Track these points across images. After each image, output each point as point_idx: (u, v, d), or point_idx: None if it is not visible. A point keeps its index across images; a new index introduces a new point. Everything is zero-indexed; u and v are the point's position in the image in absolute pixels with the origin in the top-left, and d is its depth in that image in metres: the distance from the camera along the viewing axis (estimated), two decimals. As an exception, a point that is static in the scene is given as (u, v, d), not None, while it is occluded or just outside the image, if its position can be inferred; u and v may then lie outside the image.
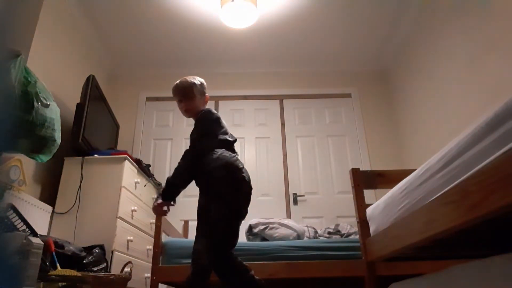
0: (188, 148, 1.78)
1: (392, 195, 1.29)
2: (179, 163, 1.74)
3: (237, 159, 1.76)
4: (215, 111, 1.91)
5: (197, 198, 1.72)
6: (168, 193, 1.71)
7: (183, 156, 1.75)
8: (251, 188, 1.76)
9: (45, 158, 1.87)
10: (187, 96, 1.89)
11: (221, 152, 1.72)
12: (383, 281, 1.52)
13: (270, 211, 3.43)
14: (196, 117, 1.87)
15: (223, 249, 1.59)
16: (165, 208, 1.72)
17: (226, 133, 1.85)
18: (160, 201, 1.71)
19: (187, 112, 1.91)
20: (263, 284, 1.56)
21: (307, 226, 2.53)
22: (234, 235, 1.66)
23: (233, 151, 1.82)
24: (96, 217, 2.42)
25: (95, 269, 2.00)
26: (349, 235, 2.41)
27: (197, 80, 1.95)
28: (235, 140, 1.87)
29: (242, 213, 1.71)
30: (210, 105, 3.86)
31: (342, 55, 3.94)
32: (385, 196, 1.36)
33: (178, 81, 1.95)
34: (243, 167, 1.75)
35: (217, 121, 1.85)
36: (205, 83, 1.99)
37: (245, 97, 4.01)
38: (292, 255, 2.02)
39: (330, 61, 4.03)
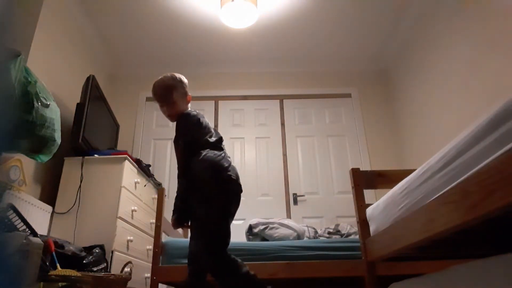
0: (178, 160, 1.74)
1: (392, 195, 1.29)
2: (178, 184, 1.71)
3: (223, 157, 1.70)
4: (194, 112, 1.81)
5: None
6: (177, 214, 1.69)
7: (178, 176, 1.72)
8: (239, 186, 1.71)
9: (45, 158, 1.87)
10: (167, 102, 1.80)
11: (205, 153, 1.68)
12: (383, 281, 1.52)
13: (270, 211, 3.43)
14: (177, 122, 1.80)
15: (217, 250, 1.58)
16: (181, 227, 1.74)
17: (208, 133, 1.77)
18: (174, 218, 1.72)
19: (170, 117, 1.83)
20: (258, 279, 1.54)
21: (307, 226, 2.53)
22: (226, 234, 1.63)
23: (220, 148, 1.75)
24: (96, 217, 2.42)
25: (95, 269, 2.00)
26: (349, 235, 2.41)
27: (177, 81, 1.82)
28: (219, 139, 1.80)
29: (231, 212, 1.67)
30: (210, 105, 3.95)
31: (342, 55, 3.95)
32: (385, 196, 1.36)
33: (156, 84, 1.83)
34: (229, 165, 1.69)
35: (197, 124, 1.77)
36: (185, 81, 1.86)
37: (245, 97, 4.01)
38: (292, 255, 2.02)
39: (330, 61, 4.03)
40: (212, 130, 1.83)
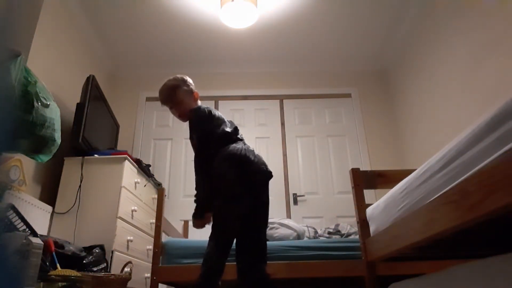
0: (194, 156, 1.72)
1: (392, 195, 1.29)
2: (195, 177, 1.68)
3: (246, 150, 1.67)
4: (204, 106, 1.81)
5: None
6: (198, 210, 1.65)
7: (194, 168, 1.69)
8: (266, 173, 1.69)
9: (45, 158, 1.87)
10: (174, 102, 1.82)
11: (224, 152, 1.65)
12: (383, 281, 1.52)
13: (270, 211, 3.41)
14: (188, 119, 1.81)
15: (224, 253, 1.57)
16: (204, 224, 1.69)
17: (223, 123, 1.77)
18: (195, 220, 1.68)
19: (181, 117, 1.85)
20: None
21: (307, 226, 2.53)
22: (248, 239, 1.62)
23: (236, 140, 1.73)
24: (96, 217, 2.42)
25: (95, 269, 2.00)
26: (349, 235, 2.41)
27: (179, 80, 1.85)
28: (235, 129, 1.79)
29: (254, 217, 1.67)
30: (210, 105, 3.93)
31: (343, 55, 3.94)
32: (385, 196, 1.36)
33: (160, 88, 1.86)
34: (255, 157, 1.67)
35: (209, 116, 1.76)
36: (188, 80, 1.89)
37: (245, 97, 4.01)
38: (292, 255, 2.02)
39: (330, 61, 4.03)
40: (227, 121, 1.81)
